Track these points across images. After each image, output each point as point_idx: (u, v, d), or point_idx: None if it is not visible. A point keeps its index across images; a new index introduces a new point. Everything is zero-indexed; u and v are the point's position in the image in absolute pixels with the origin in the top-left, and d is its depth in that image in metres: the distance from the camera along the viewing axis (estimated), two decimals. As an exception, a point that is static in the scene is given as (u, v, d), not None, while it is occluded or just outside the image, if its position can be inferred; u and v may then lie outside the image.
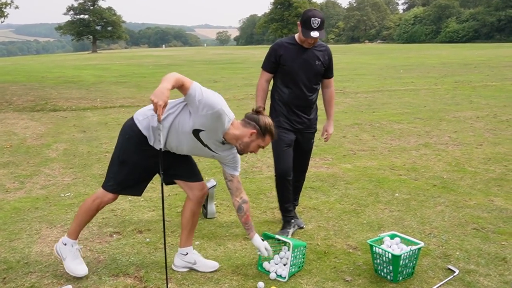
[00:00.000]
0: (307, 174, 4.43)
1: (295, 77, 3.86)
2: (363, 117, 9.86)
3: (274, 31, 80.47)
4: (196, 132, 3.07)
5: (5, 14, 18.62)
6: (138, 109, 3.44)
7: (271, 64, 3.94)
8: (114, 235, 4.10)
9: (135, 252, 3.76)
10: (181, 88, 2.92)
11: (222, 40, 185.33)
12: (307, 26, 3.65)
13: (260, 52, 51.64)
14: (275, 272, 3.34)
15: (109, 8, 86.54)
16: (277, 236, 3.48)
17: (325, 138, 4.23)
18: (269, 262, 3.46)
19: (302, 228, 4.19)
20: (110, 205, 4.70)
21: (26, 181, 5.79)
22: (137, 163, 3.25)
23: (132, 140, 3.23)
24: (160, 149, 2.98)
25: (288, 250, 3.45)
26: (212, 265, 3.48)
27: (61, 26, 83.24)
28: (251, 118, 3.17)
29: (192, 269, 3.45)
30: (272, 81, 4.08)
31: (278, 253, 3.52)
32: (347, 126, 8.86)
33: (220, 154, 3.26)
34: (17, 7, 18.79)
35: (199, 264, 3.46)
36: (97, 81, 20.81)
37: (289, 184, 4.02)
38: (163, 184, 3.09)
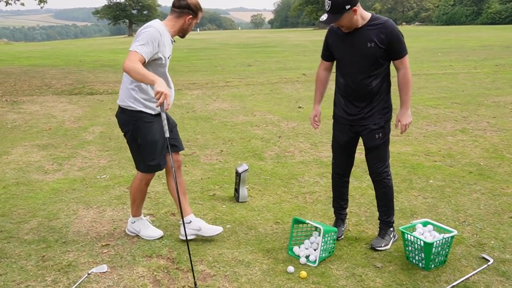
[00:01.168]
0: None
1: (345, 64, 3.47)
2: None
3: (309, 14, 79.32)
4: (166, 59, 3.47)
5: (44, 0, 19.01)
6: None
7: (325, 52, 3.63)
8: (148, 216, 4.18)
9: (168, 234, 3.84)
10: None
11: (257, 23, 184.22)
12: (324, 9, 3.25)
13: (295, 35, 51.16)
14: (305, 257, 3.35)
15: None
16: (307, 221, 3.49)
17: (400, 130, 3.58)
18: (299, 247, 3.47)
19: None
20: (144, 188, 4.83)
21: (64, 163, 5.97)
22: (153, 138, 3.52)
23: (139, 122, 3.46)
24: (167, 138, 3.25)
25: (319, 235, 3.46)
26: (216, 229, 3.73)
27: (98, 10, 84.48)
28: (182, 6, 3.43)
29: (197, 235, 3.71)
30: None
31: (309, 238, 3.54)
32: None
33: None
34: (55, -8, 19.16)
35: (204, 230, 3.72)
36: (133, 64, 21.07)
37: (341, 182, 3.83)
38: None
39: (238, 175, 4.49)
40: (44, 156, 6.32)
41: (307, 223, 3.50)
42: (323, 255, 3.35)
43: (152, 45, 3.26)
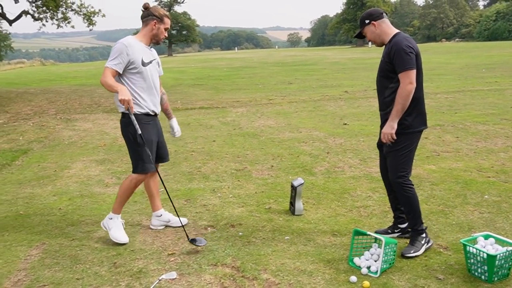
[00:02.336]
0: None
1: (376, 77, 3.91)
2: (444, 118, 9.61)
3: (347, 32, 79.37)
4: (143, 64, 3.88)
5: (93, 22, 19.88)
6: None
7: None
8: (209, 228, 4.36)
9: (230, 244, 3.99)
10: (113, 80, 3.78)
11: (293, 41, 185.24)
12: None
13: (332, 53, 51.23)
14: (367, 268, 3.43)
15: (184, 13, 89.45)
16: (368, 232, 3.57)
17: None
18: (359, 258, 3.56)
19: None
20: (202, 200, 5.08)
21: (122, 177, 6.23)
22: (149, 139, 3.97)
23: (134, 124, 3.86)
24: (140, 134, 3.84)
25: (379, 247, 3.54)
26: (182, 220, 4.31)
27: (138, 31, 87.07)
28: (146, 15, 3.93)
29: (167, 226, 4.41)
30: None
31: (369, 250, 3.62)
32: (428, 127, 8.68)
33: (156, 57, 4.10)
34: (103, 16, 20.01)
35: (172, 221, 4.41)
36: (176, 83, 21.64)
37: (387, 186, 4.00)
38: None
39: (294, 188, 4.62)
40: (103, 171, 6.62)
41: (368, 235, 3.58)
42: (384, 266, 3.42)
43: (120, 57, 3.77)
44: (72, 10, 20.03)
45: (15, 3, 17.57)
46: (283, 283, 3.31)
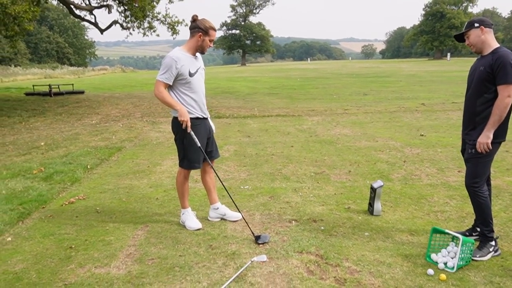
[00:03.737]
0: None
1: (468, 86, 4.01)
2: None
3: (424, 44, 77.44)
4: (190, 74, 4.30)
5: (177, 31, 20.99)
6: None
7: None
8: (293, 222, 4.74)
9: (313, 236, 4.34)
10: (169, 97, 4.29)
11: (367, 53, 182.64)
12: None
13: (408, 65, 50.23)
14: (444, 263, 3.66)
15: (259, 24, 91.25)
16: (447, 230, 3.79)
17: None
18: (436, 254, 3.78)
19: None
20: (285, 197, 5.45)
21: (209, 175, 6.76)
22: (196, 141, 4.40)
23: (194, 139, 4.39)
24: (199, 147, 4.43)
25: (456, 246, 3.75)
26: (237, 215, 4.83)
27: (214, 41, 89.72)
28: (193, 27, 4.29)
29: (222, 219, 4.85)
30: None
31: (446, 247, 3.83)
32: (510, 141, 8.58)
33: (201, 63, 4.51)
34: (187, 25, 21.08)
35: (228, 215, 4.86)
36: (251, 92, 22.34)
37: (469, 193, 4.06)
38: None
39: (373, 190, 4.89)
40: (191, 168, 7.19)
41: (447, 233, 3.80)
42: (461, 263, 3.63)
43: (170, 71, 4.19)
44: (157, 20, 21.25)
45: (108, 13, 18.98)
46: (364, 271, 3.61)
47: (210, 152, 4.66)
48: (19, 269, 3.80)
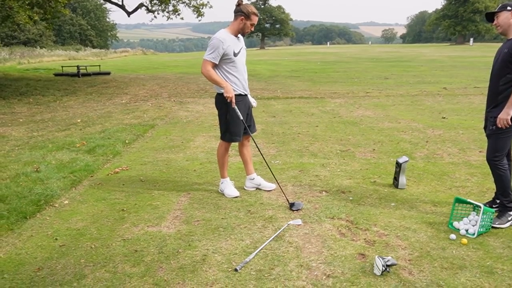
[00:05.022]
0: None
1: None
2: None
3: (447, 28, 76.39)
4: (234, 54, 4.66)
5: (202, 13, 21.32)
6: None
7: None
8: (324, 192, 5.12)
9: (343, 205, 4.72)
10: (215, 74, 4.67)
11: (388, 38, 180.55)
12: None
13: (429, 50, 49.77)
14: (465, 230, 4.00)
15: (279, 7, 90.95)
16: (469, 200, 4.13)
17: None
18: (458, 222, 4.13)
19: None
20: (314, 171, 5.85)
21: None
22: (239, 116, 4.77)
23: (237, 113, 4.76)
24: (242, 120, 4.79)
25: (477, 215, 4.09)
26: (271, 185, 5.26)
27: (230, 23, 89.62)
28: (236, 11, 4.64)
29: (257, 188, 5.26)
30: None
31: (467, 216, 4.17)
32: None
33: (243, 44, 4.86)
34: (211, 7, 21.40)
35: (263, 185, 5.25)
36: (272, 74, 22.63)
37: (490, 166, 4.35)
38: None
39: (398, 165, 5.23)
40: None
41: (469, 203, 4.14)
42: (481, 230, 3.97)
43: (217, 51, 4.55)
44: (183, 2, 21.58)
45: (137, -4, 19.35)
46: (391, 235, 3.98)
47: (249, 126, 5.03)
48: (80, 227, 4.26)
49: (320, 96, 13.94)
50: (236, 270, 3.37)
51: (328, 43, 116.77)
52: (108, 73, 24.07)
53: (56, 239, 4.01)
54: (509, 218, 4.21)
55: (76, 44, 67.29)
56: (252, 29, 4.79)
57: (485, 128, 4.42)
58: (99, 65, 26.14)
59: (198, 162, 6.49)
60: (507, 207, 4.24)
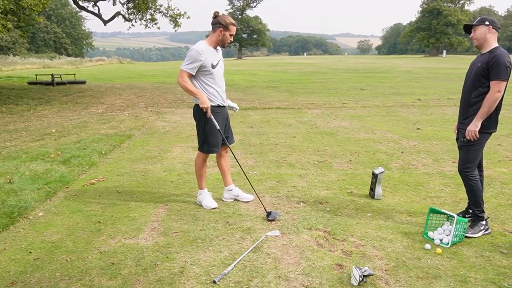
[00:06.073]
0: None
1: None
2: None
3: (420, 41, 77.92)
4: (212, 66, 4.68)
5: (179, 24, 21.29)
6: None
7: None
8: (301, 203, 5.15)
9: (320, 216, 4.75)
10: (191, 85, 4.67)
11: (363, 49, 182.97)
12: None
13: (404, 62, 50.66)
14: (439, 240, 4.08)
15: (256, 17, 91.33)
16: (443, 210, 4.21)
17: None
18: (433, 232, 4.20)
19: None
20: (292, 182, 5.85)
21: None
22: (217, 127, 4.78)
23: (214, 123, 4.76)
24: (219, 130, 4.79)
25: (451, 225, 4.18)
26: (249, 196, 5.26)
27: (209, 32, 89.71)
28: (214, 23, 4.66)
29: (236, 199, 5.25)
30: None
31: (441, 226, 4.25)
32: (502, 136, 9.04)
33: (221, 56, 4.88)
34: (188, 17, 21.39)
35: (241, 196, 5.26)
36: (250, 85, 22.70)
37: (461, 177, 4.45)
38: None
39: (375, 176, 5.30)
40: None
41: (443, 213, 4.22)
42: (455, 239, 4.05)
43: (194, 62, 4.57)
44: (160, 12, 21.54)
45: (113, 5, 19.26)
46: (368, 245, 4.03)
47: (226, 137, 5.03)
48: (55, 239, 4.19)
49: (297, 106, 14.04)
50: (214, 282, 3.36)
51: (305, 53, 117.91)
52: (84, 82, 23.80)
53: (30, 252, 3.94)
54: (481, 228, 4.31)
55: (51, 52, 66.42)
56: (231, 39, 4.80)
57: (457, 139, 4.53)
58: (74, 74, 25.84)
59: (175, 173, 6.46)
60: (479, 217, 4.34)
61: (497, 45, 4.19)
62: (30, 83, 22.61)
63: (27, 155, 7.52)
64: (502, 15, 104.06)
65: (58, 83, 22.49)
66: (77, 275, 3.50)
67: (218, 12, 4.72)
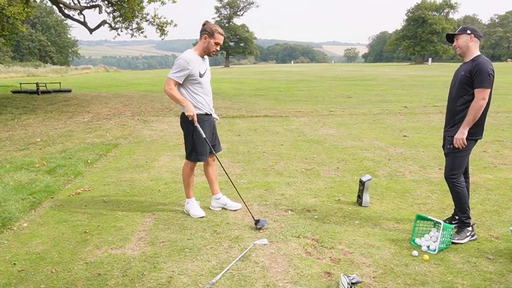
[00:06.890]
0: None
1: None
2: (504, 135, 9.99)
3: (406, 48, 78.82)
4: (200, 75, 4.69)
5: (166, 32, 21.27)
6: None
7: None
8: (289, 211, 5.14)
9: (308, 223, 4.75)
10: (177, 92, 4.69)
11: (350, 57, 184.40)
12: None
13: (390, 69, 51.14)
14: (426, 246, 4.10)
15: (243, 26, 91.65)
16: (429, 217, 4.24)
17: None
18: (420, 239, 4.22)
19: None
20: (280, 190, 5.84)
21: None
22: (201, 133, 4.74)
23: (200, 131, 4.74)
24: (205, 138, 4.76)
25: (438, 231, 4.20)
26: (237, 205, 5.24)
27: (196, 40, 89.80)
28: (201, 30, 4.69)
29: (223, 208, 5.24)
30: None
31: (428, 233, 4.28)
32: (487, 142, 9.14)
33: (208, 65, 4.89)
34: (175, 25, 21.39)
35: (229, 205, 5.24)
36: (237, 93, 22.71)
37: (448, 184, 4.50)
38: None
39: (362, 183, 5.32)
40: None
41: (429, 219, 4.25)
42: (442, 246, 4.07)
43: (182, 71, 4.57)
44: (146, 20, 21.50)
45: (99, 13, 19.19)
46: (356, 252, 4.03)
47: (213, 146, 5.02)
48: (40, 250, 4.13)
49: (285, 114, 14.07)
50: (202, 292, 3.34)
51: (292, 61, 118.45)
52: (69, 91, 23.62)
53: (14, 263, 3.87)
54: (468, 234, 4.34)
55: (36, 60, 65.93)
56: (218, 48, 4.78)
57: (443, 146, 4.57)
58: (60, 82, 25.65)
59: (162, 182, 6.42)
60: (465, 223, 4.37)
61: (479, 53, 4.25)
62: (14, 92, 22.38)
63: (11, 164, 7.43)
64: (486, 23, 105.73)
65: (43, 92, 22.30)
66: (62, 286, 3.45)
67: (207, 21, 4.75)
